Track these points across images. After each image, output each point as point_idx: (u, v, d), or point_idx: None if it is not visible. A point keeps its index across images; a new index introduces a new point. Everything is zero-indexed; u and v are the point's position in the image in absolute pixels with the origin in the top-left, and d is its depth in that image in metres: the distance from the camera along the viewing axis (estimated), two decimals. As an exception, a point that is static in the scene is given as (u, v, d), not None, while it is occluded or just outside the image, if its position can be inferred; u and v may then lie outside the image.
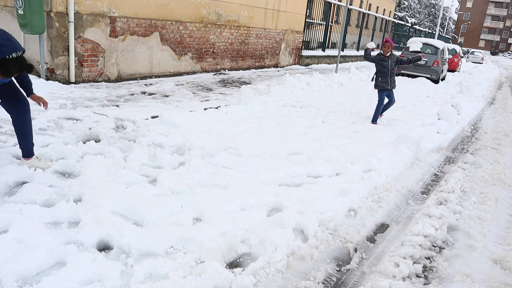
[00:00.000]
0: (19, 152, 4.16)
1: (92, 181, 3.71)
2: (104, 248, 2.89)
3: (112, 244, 2.89)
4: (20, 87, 3.77)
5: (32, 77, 7.34)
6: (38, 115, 5.50)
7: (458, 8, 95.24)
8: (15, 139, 4.56)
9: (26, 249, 2.62)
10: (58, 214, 3.13)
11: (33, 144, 3.95)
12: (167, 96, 7.98)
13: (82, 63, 8.04)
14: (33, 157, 3.95)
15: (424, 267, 3.16)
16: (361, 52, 22.63)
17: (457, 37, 78.09)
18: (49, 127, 5.19)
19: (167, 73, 10.24)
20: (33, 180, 3.62)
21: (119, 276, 2.52)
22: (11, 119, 3.81)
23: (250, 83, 10.66)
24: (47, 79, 7.53)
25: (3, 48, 3.09)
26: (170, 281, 2.54)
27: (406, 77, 15.55)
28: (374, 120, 7.78)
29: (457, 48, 23.41)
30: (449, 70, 20.46)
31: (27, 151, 3.92)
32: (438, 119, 8.18)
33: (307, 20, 16.59)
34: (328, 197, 4.01)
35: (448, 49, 20.88)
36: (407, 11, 56.72)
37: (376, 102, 7.81)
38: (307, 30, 17.24)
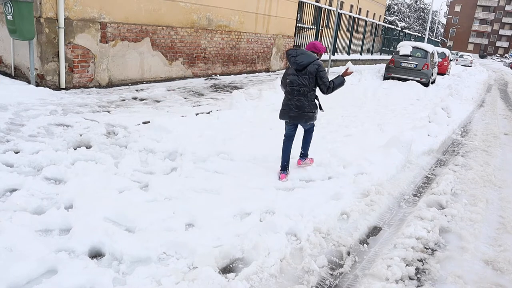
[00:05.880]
0: (9, 159, 4.13)
1: (83, 187, 3.68)
2: (96, 255, 2.87)
3: (104, 251, 2.87)
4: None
5: (21, 83, 7.40)
6: (28, 122, 5.46)
7: (447, 12, 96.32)
8: (5, 146, 4.52)
9: (16, 257, 2.59)
10: (49, 221, 3.10)
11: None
12: (158, 101, 7.96)
13: (73, 69, 7.99)
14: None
15: (417, 269, 3.17)
16: (353, 56, 22.76)
17: (446, 41, 78.91)
18: (40, 133, 5.14)
19: (158, 79, 10.21)
20: (23, 187, 3.58)
21: (111, 283, 2.50)
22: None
23: (241, 88, 10.67)
24: (37, 85, 7.47)
25: None
26: (163, 287, 2.53)
27: (397, 81, 15.66)
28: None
29: (446, 51, 23.68)
30: (438, 73, 20.67)
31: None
32: (429, 122, 8.26)
33: (297, 24, 16.67)
34: (321, 201, 4.02)
35: (438, 53, 21.11)
36: (396, 15, 57.23)
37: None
38: (298, 34, 17.31)
